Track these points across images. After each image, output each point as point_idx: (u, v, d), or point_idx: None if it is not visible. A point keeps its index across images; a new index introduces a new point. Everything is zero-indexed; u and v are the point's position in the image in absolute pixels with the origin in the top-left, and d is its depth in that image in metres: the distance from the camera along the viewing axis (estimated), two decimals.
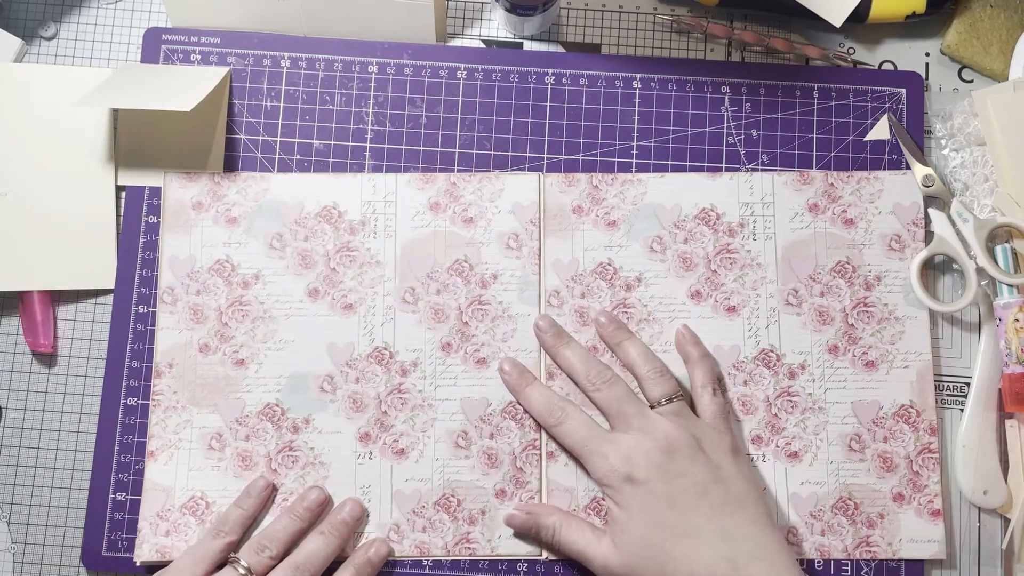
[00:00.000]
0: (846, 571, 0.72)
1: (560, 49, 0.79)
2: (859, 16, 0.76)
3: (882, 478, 0.72)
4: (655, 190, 0.75)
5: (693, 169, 0.76)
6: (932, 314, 0.74)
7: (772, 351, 0.73)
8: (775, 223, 0.74)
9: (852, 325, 0.73)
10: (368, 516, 0.71)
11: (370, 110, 0.76)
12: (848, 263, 0.74)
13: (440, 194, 0.75)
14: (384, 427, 0.72)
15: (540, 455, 0.72)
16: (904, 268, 0.74)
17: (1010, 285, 0.72)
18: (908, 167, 0.75)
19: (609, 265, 0.74)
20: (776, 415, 0.72)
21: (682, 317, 0.73)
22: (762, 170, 0.75)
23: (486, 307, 0.73)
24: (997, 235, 0.74)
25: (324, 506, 0.71)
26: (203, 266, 0.74)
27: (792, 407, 0.72)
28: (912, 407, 0.73)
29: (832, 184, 0.75)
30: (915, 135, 0.76)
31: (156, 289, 0.74)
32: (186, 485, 0.71)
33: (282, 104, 0.76)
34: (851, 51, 0.79)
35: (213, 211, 0.74)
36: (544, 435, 0.72)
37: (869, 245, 0.74)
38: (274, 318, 0.73)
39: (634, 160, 0.76)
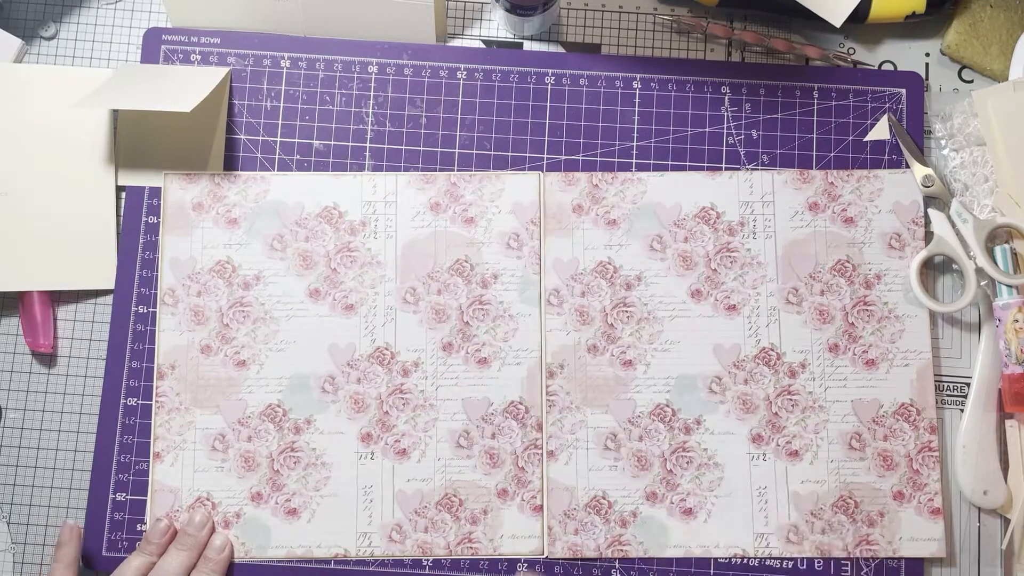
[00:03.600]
0: (846, 570, 0.72)
1: (560, 49, 0.79)
2: (859, 16, 0.76)
3: (882, 476, 0.72)
4: (655, 189, 0.75)
5: (693, 169, 0.76)
6: (932, 314, 0.74)
7: (772, 350, 0.73)
8: (775, 222, 0.74)
9: (852, 324, 0.73)
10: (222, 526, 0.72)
11: (370, 110, 0.76)
12: (848, 262, 0.74)
13: (440, 194, 0.75)
14: (386, 427, 0.72)
15: (542, 454, 0.72)
16: (904, 267, 0.74)
17: (1009, 286, 0.72)
18: (908, 167, 0.75)
19: (609, 264, 0.74)
20: (776, 414, 0.72)
21: (682, 316, 0.73)
22: (762, 169, 0.76)
23: (487, 307, 0.73)
24: (997, 235, 0.74)
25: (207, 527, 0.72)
26: (204, 267, 0.74)
27: (792, 406, 0.73)
28: (912, 405, 0.73)
29: (832, 183, 0.75)
30: (915, 135, 0.76)
31: (156, 289, 0.74)
32: (192, 486, 0.72)
33: (282, 104, 0.76)
34: (851, 51, 0.79)
35: (213, 212, 0.75)
36: (545, 434, 0.72)
37: (869, 244, 0.74)
38: (275, 319, 0.73)
39: (634, 160, 0.76)
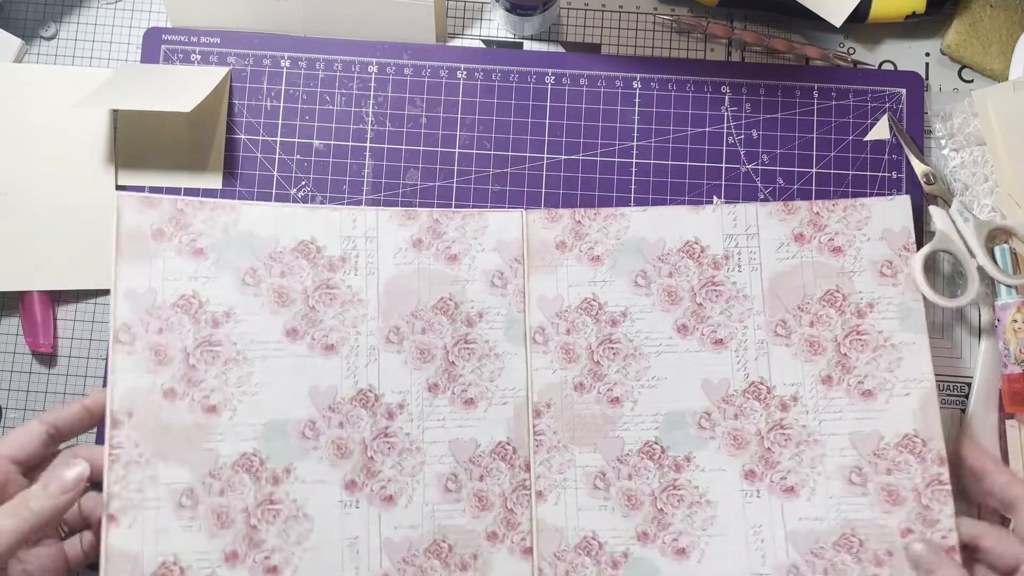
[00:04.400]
0: None
1: (560, 49, 0.79)
2: (859, 16, 0.75)
3: (888, 512, 0.70)
4: (638, 224, 0.73)
5: (693, 170, 0.76)
6: (931, 335, 0.72)
7: (762, 383, 0.72)
8: (760, 254, 0.73)
9: (845, 354, 0.72)
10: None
11: (370, 110, 0.76)
12: (838, 291, 0.72)
13: (423, 231, 0.73)
14: (371, 473, 0.70)
15: (530, 495, 0.71)
16: (898, 294, 0.72)
17: (1009, 286, 0.72)
18: (908, 167, 0.75)
19: (594, 300, 0.73)
20: (769, 448, 0.71)
21: (669, 351, 0.72)
22: (745, 202, 0.75)
23: (472, 346, 0.72)
24: (997, 235, 0.74)
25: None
26: (166, 301, 0.70)
27: (786, 440, 0.71)
28: (916, 436, 0.70)
29: (817, 213, 0.73)
30: (915, 135, 0.76)
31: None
32: (155, 550, 0.67)
33: (282, 104, 0.76)
34: (851, 51, 0.79)
35: (176, 240, 0.70)
36: (533, 474, 0.71)
37: (860, 272, 0.72)
38: (249, 360, 0.70)
39: (634, 160, 0.76)
